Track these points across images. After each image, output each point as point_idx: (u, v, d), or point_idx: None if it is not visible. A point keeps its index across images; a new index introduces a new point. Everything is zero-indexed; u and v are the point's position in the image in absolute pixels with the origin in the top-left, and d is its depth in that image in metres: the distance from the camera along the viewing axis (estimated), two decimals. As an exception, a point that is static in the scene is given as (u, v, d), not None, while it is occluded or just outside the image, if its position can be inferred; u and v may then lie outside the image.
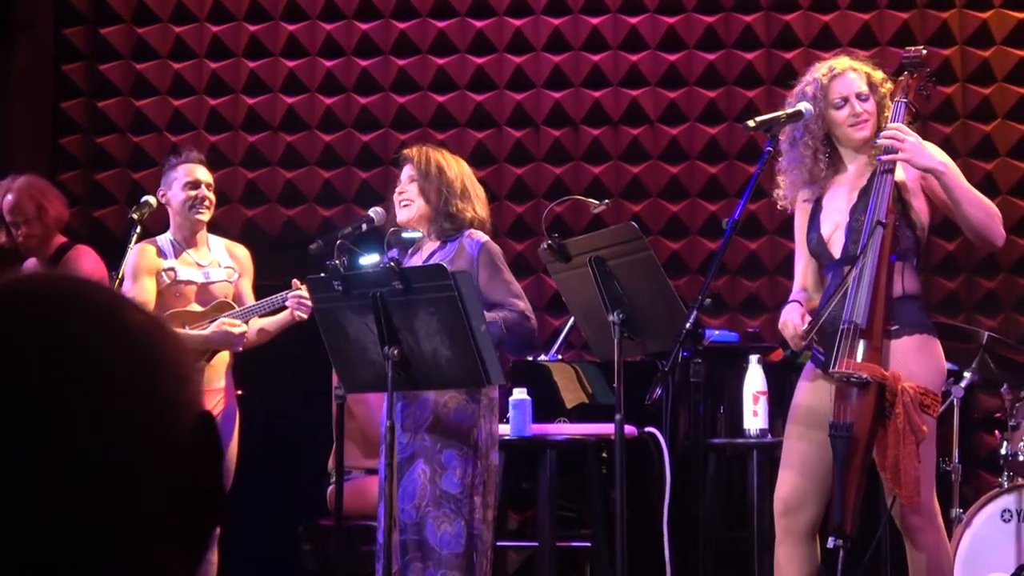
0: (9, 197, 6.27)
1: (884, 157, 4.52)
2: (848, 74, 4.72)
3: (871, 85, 4.71)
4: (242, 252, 6.01)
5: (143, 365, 1.09)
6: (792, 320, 4.59)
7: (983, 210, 4.54)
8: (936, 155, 4.53)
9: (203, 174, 5.85)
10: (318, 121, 7.95)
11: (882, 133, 4.57)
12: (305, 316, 5.59)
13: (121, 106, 8.02)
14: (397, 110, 7.91)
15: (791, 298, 4.76)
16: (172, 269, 5.78)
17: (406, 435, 5.06)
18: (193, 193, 5.79)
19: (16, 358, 1.05)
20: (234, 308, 5.80)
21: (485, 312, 4.86)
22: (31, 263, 6.33)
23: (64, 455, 1.04)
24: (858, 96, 4.69)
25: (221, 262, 5.90)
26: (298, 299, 5.60)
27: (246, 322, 5.77)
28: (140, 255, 5.76)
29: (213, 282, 5.84)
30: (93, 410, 1.05)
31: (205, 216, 5.84)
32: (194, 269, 5.82)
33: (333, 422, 5.51)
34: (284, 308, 5.70)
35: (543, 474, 5.80)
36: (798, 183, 4.78)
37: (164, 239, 5.88)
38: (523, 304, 5.09)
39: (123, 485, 1.06)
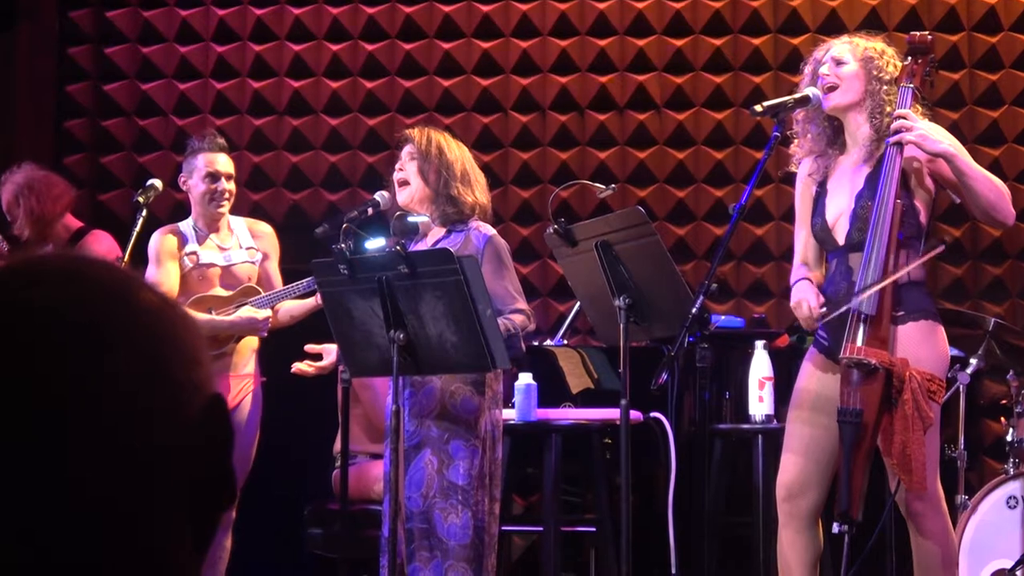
0: (3, 194, 6.28)
1: (892, 139, 4.51)
2: (836, 44, 4.71)
3: (862, 57, 4.67)
4: (265, 230, 6.03)
5: (153, 344, 1.09)
6: (807, 300, 4.57)
7: (994, 191, 4.52)
8: (944, 139, 4.52)
9: (224, 165, 5.85)
10: (324, 105, 7.94)
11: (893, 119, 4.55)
12: None
13: (127, 89, 8.01)
14: (403, 95, 7.90)
15: (799, 275, 4.74)
16: (194, 253, 5.80)
17: (412, 422, 5.05)
18: (213, 186, 5.81)
19: (26, 335, 1.05)
20: (259, 292, 5.81)
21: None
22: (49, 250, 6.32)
23: (72, 432, 1.03)
24: (835, 60, 4.67)
25: (243, 243, 5.92)
26: None
27: (272, 307, 5.78)
28: (161, 240, 5.79)
29: (235, 264, 5.85)
30: (102, 387, 1.05)
31: (224, 209, 5.86)
32: (216, 252, 5.84)
33: (339, 406, 5.52)
34: (311, 292, 5.72)
35: (548, 459, 5.80)
36: (804, 152, 4.78)
37: (186, 225, 5.90)
38: (521, 317, 5.07)
39: (131, 464, 1.05)
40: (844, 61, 4.66)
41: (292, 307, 5.86)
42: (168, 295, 1.14)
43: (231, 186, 5.86)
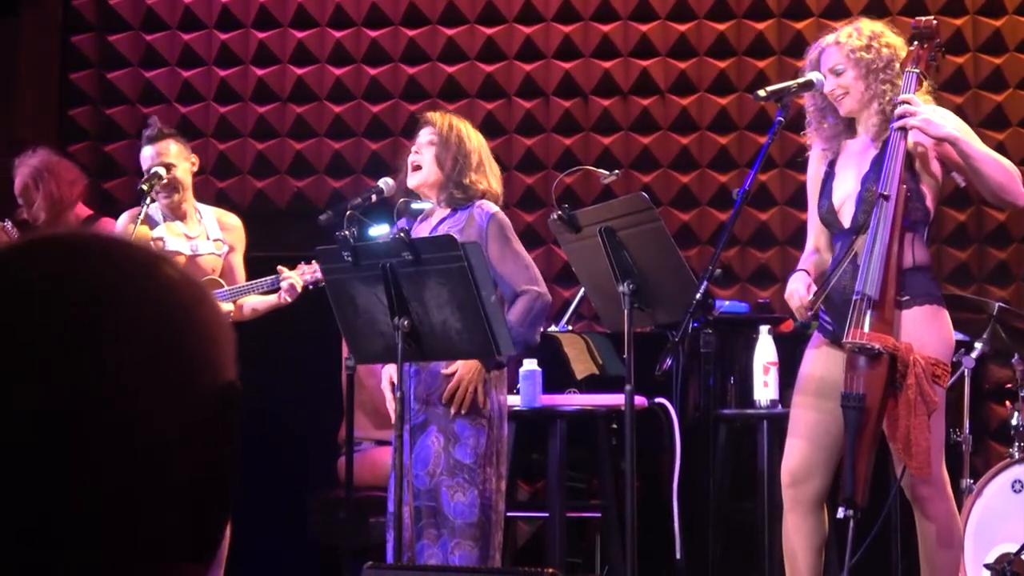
0: (17, 179, 6.28)
1: (896, 124, 4.50)
2: (829, 49, 4.70)
3: (854, 60, 4.65)
4: (233, 222, 5.96)
5: (173, 319, 1.09)
6: (798, 292, 4.59)
7: (1002, 172, 4.51)
8: (949, 123, 4.51)
9: (157, 157, 5.76)
10: (328, 92, 7.93)
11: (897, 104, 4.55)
12: (290, 300, 5.62)
13: (130, 77, 8.01)
14: (407, 81, 7.90)
15: (798, 266, 4.75)
16: (161, 239, 5.75)
17: (418, 403, 5.07)
18: (161, 171, 5.73)
19: (44, 306, 1.05)
20: (222, 286, 5.76)
21: (510, 311, 4.88)
22: None
23: (88, 401, 1.04)
24: (832, 71, 4.68)
25: (210, 234, 5.87)
26: (292, 288, 5.61)
27: (234, 301, 5.75)
28: (129, 220, 5.74)
29: (200, 255, 5.81)
30: (120, 357, 1.05)
31: (166, 201, 5.78)
32: (182, 240, 5.80)
33: (343, 393, 5.52)
34: (275, 289, 5.69)
35: (553, 445, 5.81)
36: (821, 139, 4.78)
37: (154, 208, 5.83)
38: (537, 287, 5.07)
39: (137, 453, 1.05)
40: (839, 71, 4.66)
41: (255, 302, 5.81)
42: (191, 275, 1.14)
43: (168, 176, 5.75)
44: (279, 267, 5.66)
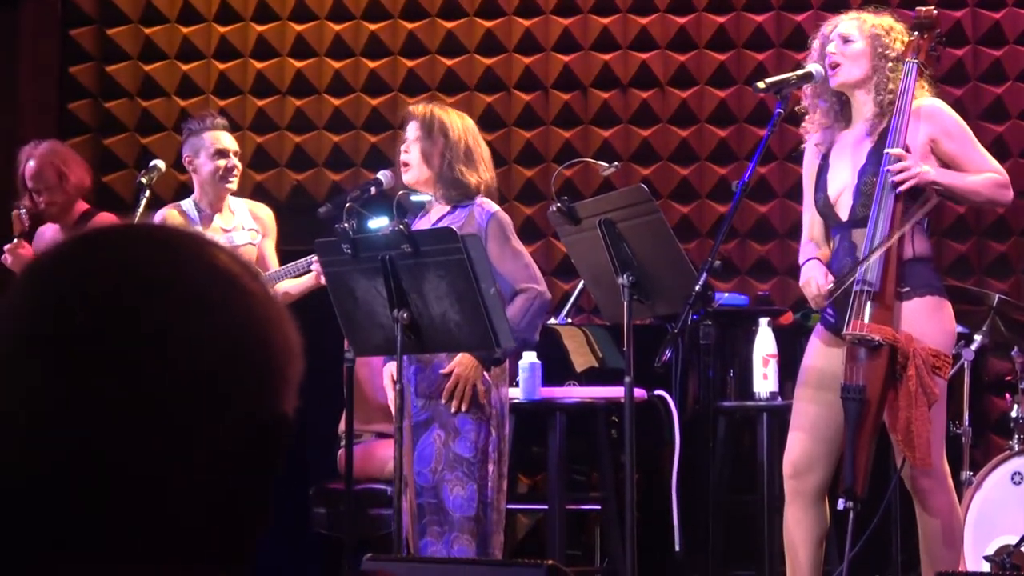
0: (31, 164, 6.27)
1: (894, 179, 4.49)
2: (846, 21, 4.71)
3: (869, 35, 4.66)
4: (265, 212, 6.04)
5: (235, 297, 1.09)
6: (816, 279, 4.58)
7: (987, 190, 4.59)
8: (932, 171, 4.53)
9: (230, 142, 5.87)
10: (327, 85, 7.93)
11: (889, 158, 4.54)
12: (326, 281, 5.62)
13: (130, 70, 8.00)
14: (406, 74, 7.89)
15: (807, 254, 4.74)
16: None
17: (420, 400, 5.06)
18: (222, 163, 5.80)
19: (116, 293, 1.05)
20: (260, 274, 5.78)
21: (509, 310, 4.87)
22: (51, 229, 6.32)
23: (164, 382, 1.04)
24: (842, 38, 4.67)
25: (244, 225, 5.92)
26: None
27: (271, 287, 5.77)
28: (167, 219, 5.77)
29: (238, 246, 5.84)
30: (187, 358, 1.05)
31: (233, 186, 5.87)
32: (219, 235, 5.82)
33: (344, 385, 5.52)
34: (308, 272, 5.72)
35: (553, 437, 5.81)
36: (815, 127, 4.78)
37: (188, 204, 5.90)
38: (537, 285, 5.06)
39: (195, 446, 1.05)
40: (851, 39, 4.65)
41: (289, 286, 5.84)
42: (241, 256, 1.14)
43: (239, 163, 5.88)
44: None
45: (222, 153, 5.80)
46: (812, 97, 4.76)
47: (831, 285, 4.53)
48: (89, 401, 1.02)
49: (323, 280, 5.62)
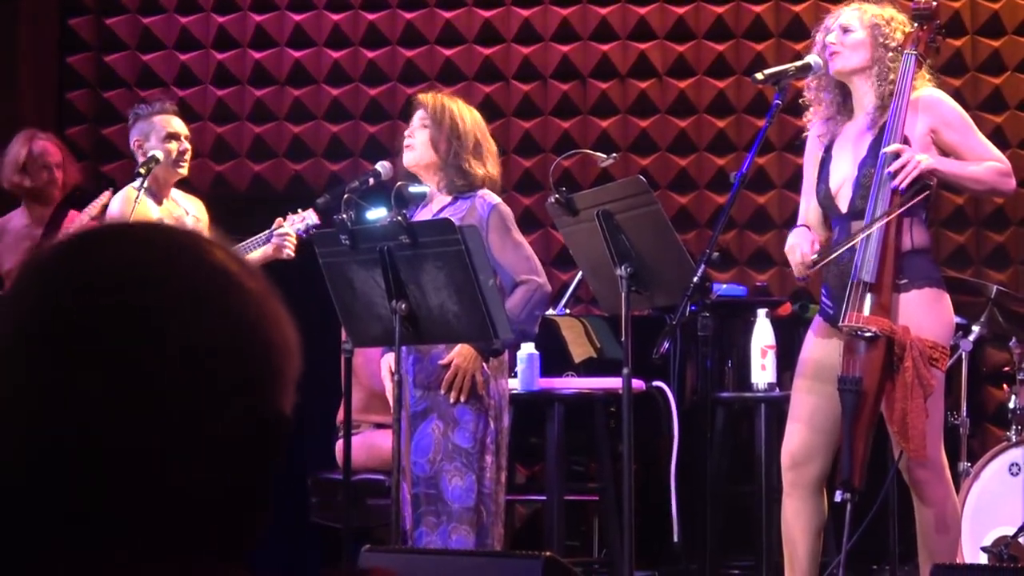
0: (40, 140, 6.30)
1: (895, 184, 4.48)
2: (847, 11, 4.71)
3: (870, 24, 4.66)
4: (199, 206, 5.94)
5: (232, 294, 1.09)
6: (801, 247, 4.56)
7: (984, 184, 4.59)
8: (933, 160, 4.52)
9: (180, 126, 5.75)
10: (325, 75, 7.92)
11: (886, 157, 4.53)
12: (292, 253, 5.59)
13: (128, 60, 7.99)
14: (404, 64, 7.89)
15: (799, 223, 4.74)
16: (160, 220, 5.74)
17: (419, 391, 5.05)
18: (174, 146, 5.70)
19: (113, 291, 1.05)
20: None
21: (509, 301, 4.87)
22: (20, 215, 6.35)
23: (163, 378, 1.04)
24: (842, 28, 4.68)
25: (190, 211, 5.86)
26: (283, 237, 5.61)
27: None
28: (126, 203, 5.65)
29: None
30: (187, 332, 1.05)
31: (184, 170, 5.76)
32: (170, 222, 5.78)
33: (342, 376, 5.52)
34: (267, 243, 5.69)
35: (551, 428, 5.81)
36: (819, 119, 4.78)
37: (135, 186, 5.78)
38: (537, 277, 5.04)
39: (196, 436, 1.06)
40: (851, 28, 4.66)
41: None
42: (238, 254, 1.14)
43: (189, 146, 5.79)
44: (277, 219, 5.67)
45: (173, 136, 5.71)
46: (816, 90, 4.76)
47: (815, 256, 4.52)
48: (87, 398, 1.02)
49: (288, 252, 5.60)
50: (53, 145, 6.39)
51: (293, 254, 5.61)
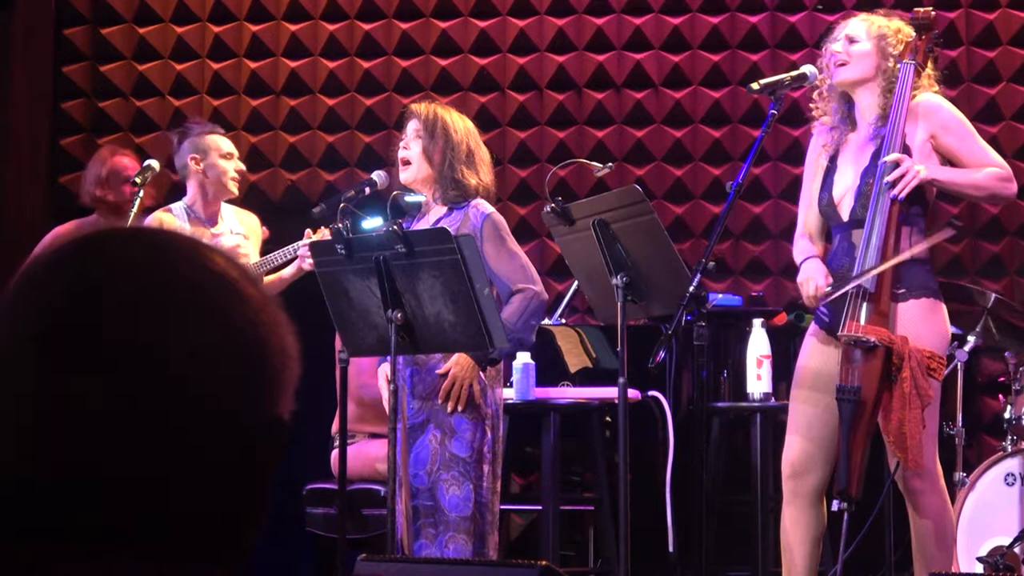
0: (122, 155, 6.35)
1: (895, 193, 4.48)
2: (854, 21, 4.73)
3: (876, 35, 4.68)
4: (252, 220, 6.03)
5: (231, 301, 1.09)
6: (816, 280, 4.57)
7: (984, 190, 4.60)
8: (929, 169, 4.53)
9: (232, 146, 5.90)
10: (321, 85, 7.93)
11: (884, 166, 4.54)
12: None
13: (123, 70, 8.00)
14: (400, 74, 7.89)
15: (805, 250, 4.73)
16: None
17: (417, 401, 5.05)
18: (231, 164, 5.81)
19: (112, 297, 1.05)
20: (257, 278, 5.77)
21: (506, 310, 4.87)
22: (95, 224, 6.37)
23: (162, 383, 1.04)
24: (848, 38, 4.69)
25: (233, 229, 5.91)
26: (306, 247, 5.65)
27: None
28: (163, 225, 5.75)
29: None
30: (190, 336, 1.05)
31: (235, 188, 5.87)
32: (207, 239, 5.80)
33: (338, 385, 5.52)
34: (292, 260, 5.74)
35: (546, 438, 5.81)
36: (825, 129, 4.79)
37: (179, 207, 5.88)
38: (534, 286, 5.04)
39: (197, 444, 1.05)
40: (857, 39, 4.67)
41: (273, 279, 5.83)
42: (238, 261, 1.14)
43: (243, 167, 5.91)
44: (307, 230, 5.70)
45: (230, 155, 5.82)
46: (825, 101, 4.77)
47: (828, 288, 4.53)
48: (86, 403, 1.02)
49: (306, 265, 5.63)
50: (135, 161, 6.42)
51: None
